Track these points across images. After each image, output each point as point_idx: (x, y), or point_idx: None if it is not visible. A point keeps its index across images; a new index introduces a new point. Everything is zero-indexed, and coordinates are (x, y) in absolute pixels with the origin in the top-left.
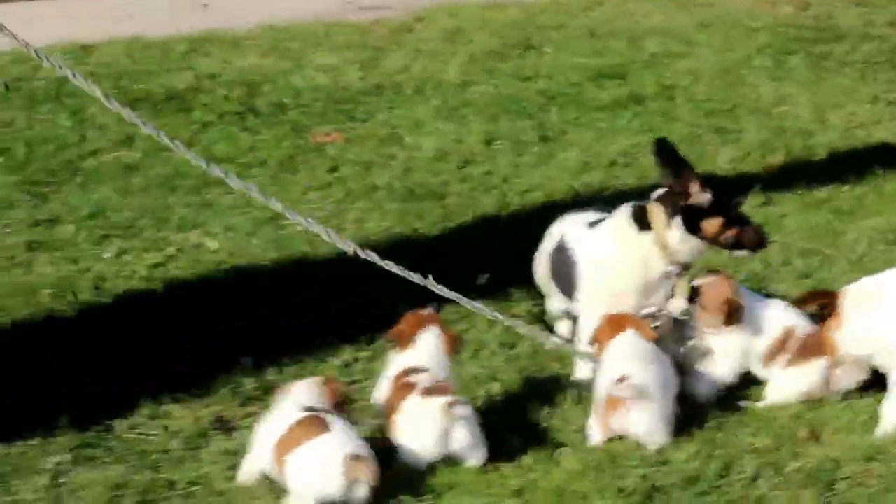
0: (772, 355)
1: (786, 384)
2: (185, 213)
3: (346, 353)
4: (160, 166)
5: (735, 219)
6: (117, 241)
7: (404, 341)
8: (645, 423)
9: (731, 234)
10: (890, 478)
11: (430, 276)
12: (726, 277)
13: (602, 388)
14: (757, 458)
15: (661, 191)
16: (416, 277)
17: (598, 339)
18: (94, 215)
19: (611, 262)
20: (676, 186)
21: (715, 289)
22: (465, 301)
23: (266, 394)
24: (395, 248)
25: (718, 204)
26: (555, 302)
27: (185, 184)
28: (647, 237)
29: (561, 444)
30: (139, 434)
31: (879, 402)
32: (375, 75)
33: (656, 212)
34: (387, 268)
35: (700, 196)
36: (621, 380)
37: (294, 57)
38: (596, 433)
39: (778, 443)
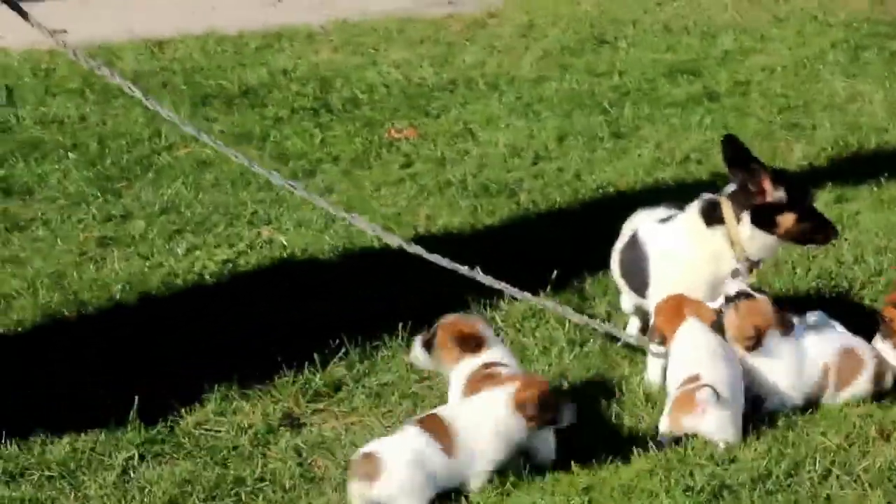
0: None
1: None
2: (257, 209)
3: None
4: (232, 162)
5: (807, 213)
6: (189, 236)
7: None
8: (716, 423)
9: (803, 228)
10: None
11: (478, 268)
12: (764, 301)
13: (673, 385)
14: (826, 456)
15: (731, 186)
16: (463, 269)
17: (662, 330)
18: (165, 211)
19: (681, 258)
20: (750, 184)
21: (744, 310)
22: (514, 291)
23: (334, 390)
24: (467, 243)
25: (792, 199)
26: (627, 299)
27: (257, 179)
28: (717, 232)
29: (631, 443)
30: (207, 430)
31: None
32: (449, 71)
33: (727, 207)
34: (434, 261)
35: (774, 193)
36: (693, 379)
37: (367, 52)
38: (667, 430)
39: (848, 442)
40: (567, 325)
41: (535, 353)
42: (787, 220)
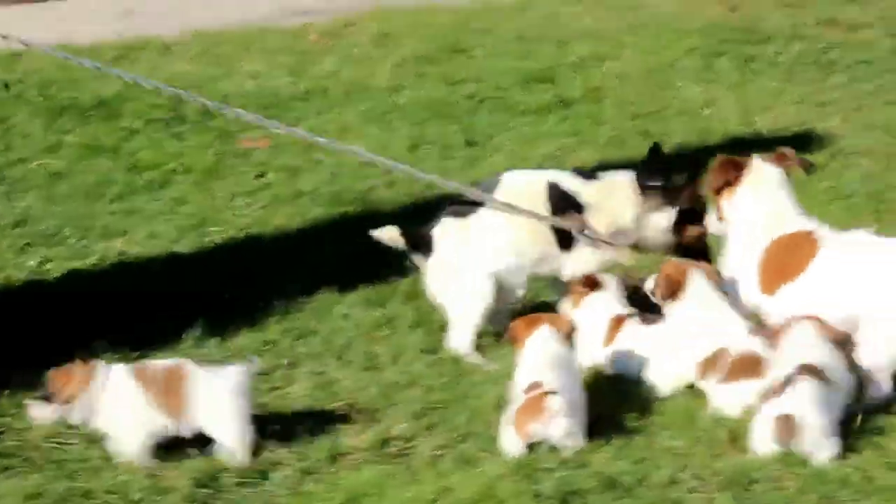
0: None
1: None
2: (110, 221)
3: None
4: (85, 174)
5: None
6: (41, 249)
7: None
8: (563, 429)
9: (699, 245)
10: (806, 480)
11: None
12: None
13: (518, 394)
14: (675, 460)
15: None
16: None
17: (516, 336)
18: (18, 224)
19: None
20: (679, 186)
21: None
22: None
23: None
24: (321, 251)
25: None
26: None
27: (110, 191)
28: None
29: (481, 449)
30: (58, 443)
31: None
32: (304, 80)
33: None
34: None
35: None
36: (535, 386)
37: (223, 63)
38: (513, 441)
39: (697, 446)
40: (418, 332)
41: (387, 360)
42: (692, 230)
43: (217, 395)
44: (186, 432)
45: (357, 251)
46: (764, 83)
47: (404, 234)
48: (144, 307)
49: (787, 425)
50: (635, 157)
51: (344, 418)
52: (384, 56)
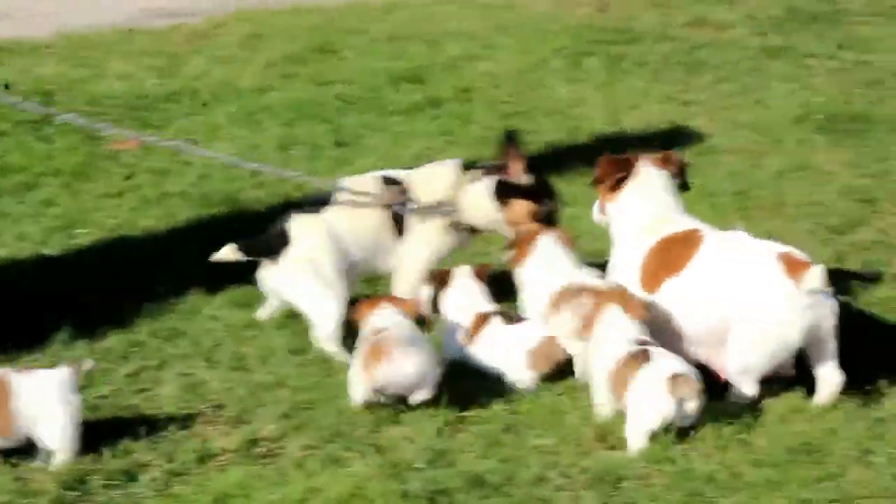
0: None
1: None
2: None
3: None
4: None
5: (542, 213)
6: None
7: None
8: (411, 369)
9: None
10: (674, 477)
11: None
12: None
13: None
14: (543, 458)
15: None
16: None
17: (359, 314)
18: None
19: None
20: (504, 160)
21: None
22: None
23: None
24: (189, 253)
25: (535, 191)
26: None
27: None
28: None
29: (349, 449)
30: None
31: None
32: (173, 82)
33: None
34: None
35: (522, 176)
36: (380, 331)
37: (92, 65)
38: (359, 389)
39: (564, 444)
40: (286, 333)
41: (255, 362)
42: (520, 204)
43: (39, 399)
44: (13, 443)
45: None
46: (632, 83)
47: (243, 247)
48: (12, 309)
49: (684, 382)
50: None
51: (212, 420)
52: (253, 57)
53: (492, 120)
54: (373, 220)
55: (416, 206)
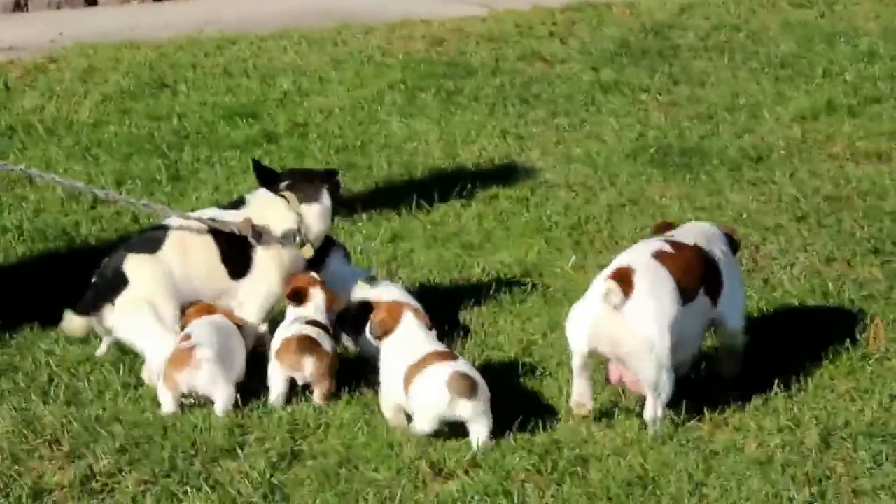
0: None
1: None
2: None
3: None
4: None
5: None
6: None
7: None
8: (207, 377)
9: None
10: None
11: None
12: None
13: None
14: (379, 492)
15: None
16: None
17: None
18: None
19: None
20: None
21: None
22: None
23: None
24: (25, 288)
25: None
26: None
27: None
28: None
29: (184, 483)
30: None
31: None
32: (7, 117)
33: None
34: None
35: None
36: (186, 339)
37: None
38: (166, 397)
39: (401, 477)
40: (122, 369)
41: (90, 396)
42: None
43: None
44: None
45: (61, 287)
46: (467, 117)
47: (83, 309)
48: None
49: (465, 381)
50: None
51: (48, 455)
52: (88, 92)
53: (327, 154)
54: (208, 256)
55: (268, 237)
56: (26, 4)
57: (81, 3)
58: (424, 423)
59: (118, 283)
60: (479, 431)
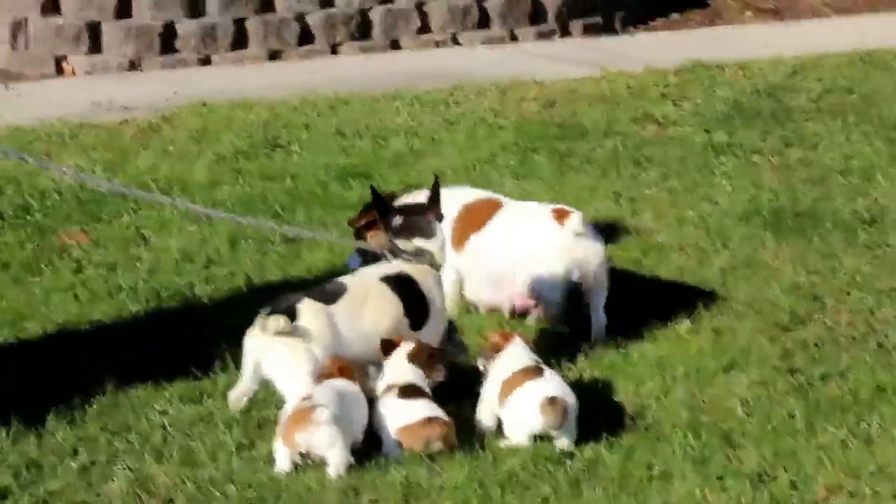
0: None
1: None
2: None
3: None
4: None
5: None
6: None
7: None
8: (326, 439)
9: None
10: None
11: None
12: None
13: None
14: None
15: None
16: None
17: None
18: None
19: None
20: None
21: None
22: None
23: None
24: (138, 348)
25: None
26: None
27: None
28: None
29: None
30: None
31: None
32: (122, 176)
33: None
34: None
35: None
36: (306, 398)
37: (40, 158)
38: (283, 455)
39: None
40: (235, 428)
41: (204, 456)
42: None
43: None
44: None
45: (174, 348)
46: (580, 179)
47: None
48: None
49: (556, 406)
50: None
51: None
52: (202, 152)
53: None
54: (391, 310)
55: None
56: (140, 64)
57: (195, 62)
58: (519, 436)
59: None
60: (563, 443)
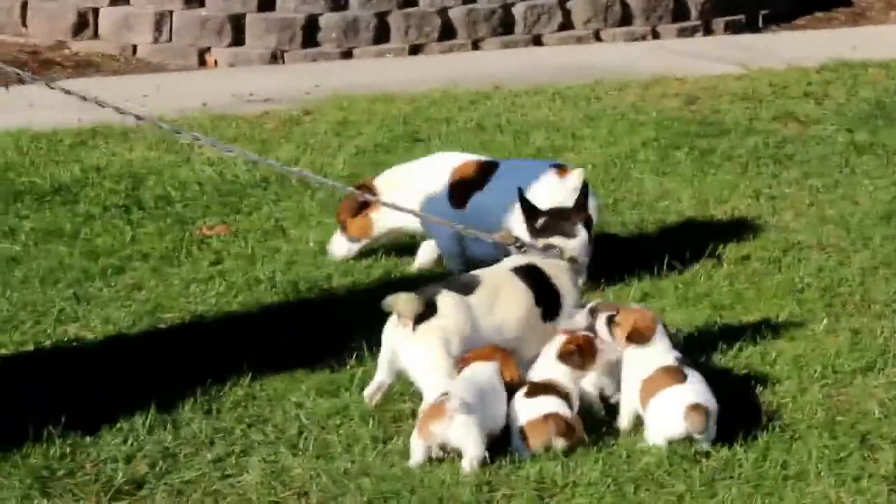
0: None
1: None
2: (65, 306)
3: None
4: (42, 259)
5: None
6: None
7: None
8: (464, 431)
9: None
10: None
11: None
12: None
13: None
14: None
15: None
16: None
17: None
18: None
19: None
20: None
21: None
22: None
23: (137, 488)
24: (276, 340)
25: None
26: None
27: (66, 277)
28: None
29: None
30: None
31: None
32: (262, 168)
33: None
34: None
35: None
36: (445, 394)
37: (181, 150)
38: (417, 448)
39: None
40: (371, 422)
41: (339, 449)
42: None
43: None
44: None
45: (311, 340)
46: (720, 176)
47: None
48: (97, 393)
49: (699, 413)
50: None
51: None
52: (342, 144)
53: None
54: (522, 302)
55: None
56: (283, 56)
57: (337, 55)
58: (659, 440)
59: (427, 310)
60: (702, 446)
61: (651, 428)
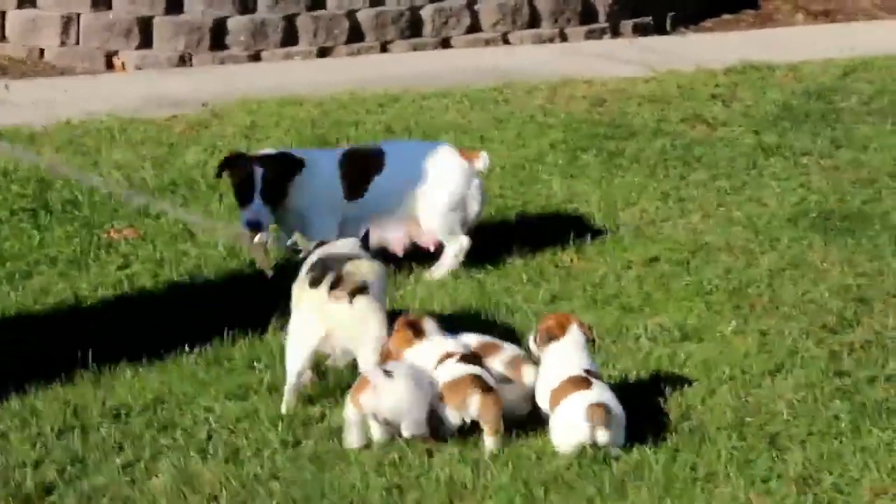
0: None
1: None
2: None
3: None
4: None
5: None
6: None
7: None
8: (391, 402)
9: None
10: None
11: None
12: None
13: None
14: None
15: None
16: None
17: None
18: None
19: None
20: None
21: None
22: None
23: (46, 493)
24: (183, 345)
25: None
26: None
27: None
28: None
29: None
30: None
31: None
32: (170, 171)
33: None
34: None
35: None
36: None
37: (89, 153)
38: (350, 412)
39: None
40: (280, 426)
41: (249, 454)
42: None
43: None
44: None
45: (220, 345)
46: (628, 178)
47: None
48: (3, 397)
49: (600, 413)
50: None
51: None
52: (250, 147)
53: (487, 215)
54: None
55: None
56: (191, 59)
57: (245, 58)
58: (565, 447)
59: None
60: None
61: (556, 433)
